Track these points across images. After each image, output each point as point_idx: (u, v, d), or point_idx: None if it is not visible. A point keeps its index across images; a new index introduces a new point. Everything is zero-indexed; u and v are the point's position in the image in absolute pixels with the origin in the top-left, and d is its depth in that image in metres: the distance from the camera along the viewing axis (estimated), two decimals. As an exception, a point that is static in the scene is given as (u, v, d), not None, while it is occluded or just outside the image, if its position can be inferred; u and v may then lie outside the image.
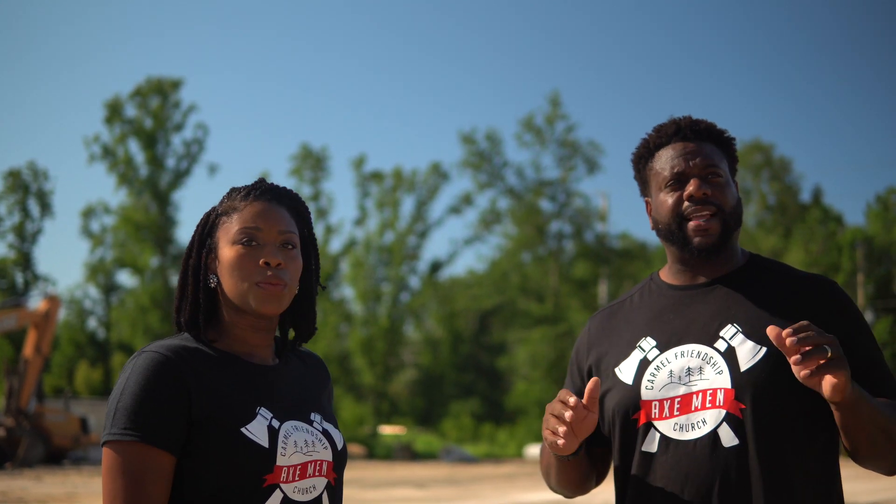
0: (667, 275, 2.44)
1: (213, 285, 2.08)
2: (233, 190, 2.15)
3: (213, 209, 2.14)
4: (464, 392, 55.32)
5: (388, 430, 52.34)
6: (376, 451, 44.45)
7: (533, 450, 41.22)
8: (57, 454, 29.85)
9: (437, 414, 54.57)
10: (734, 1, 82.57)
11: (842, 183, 79.32)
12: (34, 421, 28.60)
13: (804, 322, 2.04)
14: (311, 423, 2.07)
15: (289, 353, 2.20)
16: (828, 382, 2.02)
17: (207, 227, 2.11)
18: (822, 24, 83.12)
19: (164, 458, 1.91)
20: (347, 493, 18.27)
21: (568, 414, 2.16)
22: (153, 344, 2.00)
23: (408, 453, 42.14)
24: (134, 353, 1.99)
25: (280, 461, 1.96)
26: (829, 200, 60.21)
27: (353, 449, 42.10)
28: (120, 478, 1.88)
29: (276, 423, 1.99)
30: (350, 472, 28.02)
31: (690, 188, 2.31)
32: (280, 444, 1.97)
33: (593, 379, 2.18)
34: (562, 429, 2.18)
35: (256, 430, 1.95)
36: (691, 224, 2.31)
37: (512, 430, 48.97)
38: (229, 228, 2.07)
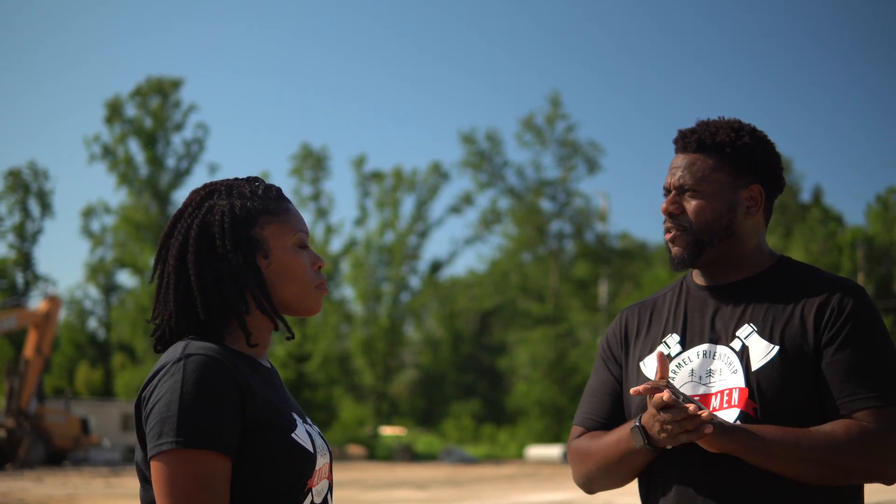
0: (696, 275, 2.47)
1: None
2: (248, 187, 2.05)
3: (240, 204, 2.01)
4: (464, 392, 55.30)
5: (388, 430, 52.35)
6: (377, 452, 44.47)
7: (535, 451, 41.18)
8: (57, 455, 29.89)
9: (437, 414, 54.57)
10: (734, 1, 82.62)
11: (842, 183, 79.40)
12: (35, 422, 28.61)
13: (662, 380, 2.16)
14: (309, 425, 2.08)
15: None
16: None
17: (245, 223, 2.00)
18: (823, 23, 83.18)
19: (228, 464, 1.84)
20: (348, 494, 18.28)
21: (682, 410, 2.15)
22: (193, 346, 1.88)
23: (408, 454, 42.14)
24: (179, 355, 1.86)
25: (317, 465, 1.97)
26: (830, 200, 60.09)
27: (354, 450, 42.17)
28: (190, 487, 1.78)
29: (308, 427, 1.99)
30: (351, 473, 27.97)
31: (663, 204, 2.40)
32: (317, 449, 1.98)
33: (658, 356, 2.20)
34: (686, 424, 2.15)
35: (302, 435, 1.94)
36: (666, 237, 2.41)
37: (512, 430, 48.94)
38: (283, 232, 2.02)
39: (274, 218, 2.02)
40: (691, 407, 2.11)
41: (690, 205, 2.37)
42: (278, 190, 2.08)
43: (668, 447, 2.21)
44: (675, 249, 2.37)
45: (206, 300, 1.95)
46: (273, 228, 2.02)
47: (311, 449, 1.94)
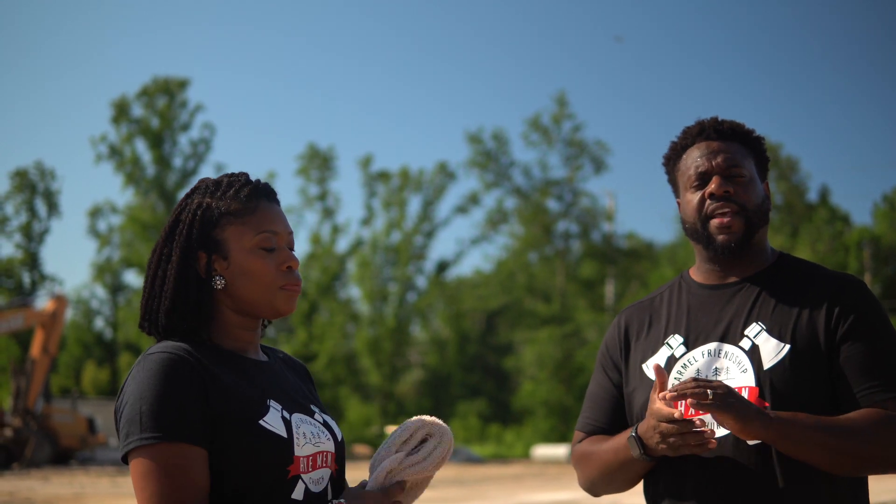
0: (696, 273, 2.45)
1: (219, 287, 2.03)
2: (225, 185, 2.07)
3: (206, 204, 2.05)
4: (471, 392, 55.30)
5: (394, 430, 52.29)
6: (383, 452, 44.37)
7: (541, 450, 41.15)
8: (64, 454, 29.93)
9: (443, 414, 54.44)
10: (740, 1, 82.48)
11: (849, 182, 79.31)
12: (41, 421, 28.67)
13: (688, 380, 2.11)
14: (311, 414, 2.09)
15: (267, 349, 2.22)
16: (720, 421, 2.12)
17: (204, 224, 2.03)
18: (829, 23, 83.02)
19: (198, 453, 1.88)
20: (354, 493, 18.22)
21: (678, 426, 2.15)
22: (156, 346, 1.97)
23: (414, 453, 42.08)
24: (139, 357, 1.96)
25: (297, 451, 1.97)
26: (836, 200, 60.08)
27: (360, 449, 42.13)
28: (158, 479, 1.84)
29: (286, 415, 2.00)
30: (357, 473, 27.82)
31: (712, 186, 2.34)
32: (295, 435, 1.98)
33: (656, 368, 2.18)
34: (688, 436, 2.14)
35: (273, 422, 1.96)
36: (714, 222, 2.33)
37: (519, 430, 48.94)
38: (243, 233, 2.03)
39: (235, 220, 2.04)
40: (697, 421, 2.12)
41: (741, 186, 2.34)
42: (253, 189, 2.08)
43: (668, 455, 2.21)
44: (730, 233, 2.32)
45: (149, 300, 2.06)
46: (233, 230, 2.04)
47: (283, 435, 1.95)
